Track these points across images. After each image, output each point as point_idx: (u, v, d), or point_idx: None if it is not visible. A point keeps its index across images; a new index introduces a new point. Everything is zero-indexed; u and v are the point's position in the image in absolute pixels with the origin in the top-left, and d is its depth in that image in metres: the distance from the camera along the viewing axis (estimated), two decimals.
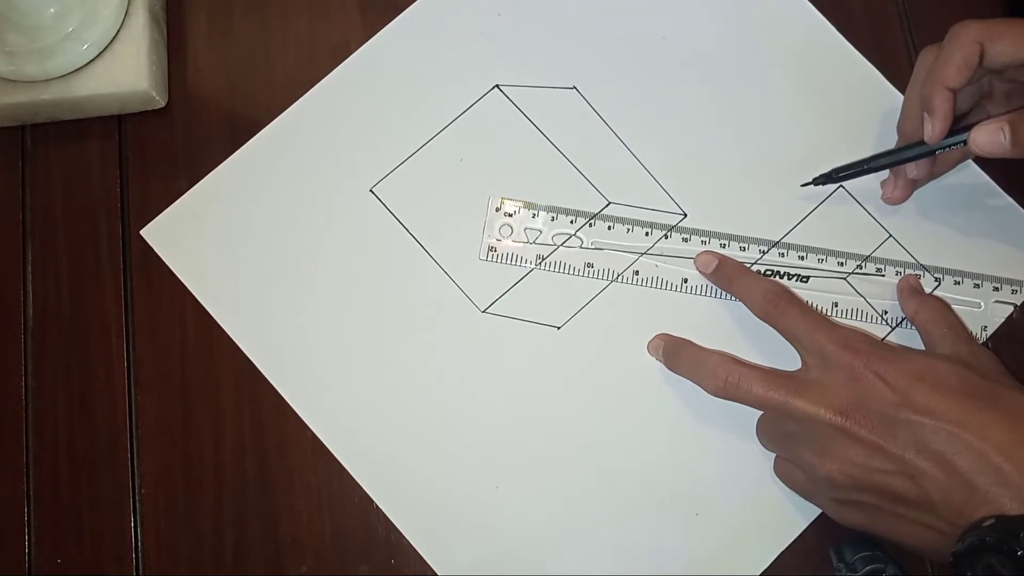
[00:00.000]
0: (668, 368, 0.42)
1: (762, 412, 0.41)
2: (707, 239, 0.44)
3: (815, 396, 0.37)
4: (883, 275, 0.44)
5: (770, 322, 0.41)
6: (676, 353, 0.42)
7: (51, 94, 0.44)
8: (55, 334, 0.44)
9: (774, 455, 0.41)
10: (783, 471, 0.41)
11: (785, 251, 0.44)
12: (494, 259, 0.44)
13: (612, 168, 0.45)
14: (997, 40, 0.38)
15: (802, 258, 0.44)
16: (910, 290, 0.43)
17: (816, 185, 0.44)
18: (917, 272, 0.44)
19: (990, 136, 0.38)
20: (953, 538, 0.34)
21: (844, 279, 0.44)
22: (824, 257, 0.44)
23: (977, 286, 0.44)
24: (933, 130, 0.39)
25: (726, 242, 0.44)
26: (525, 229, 0.44)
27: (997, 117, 0.38)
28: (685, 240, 0.44)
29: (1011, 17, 0.39)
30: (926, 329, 0.41)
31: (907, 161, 0.42)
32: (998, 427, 0.35)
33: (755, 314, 0.41)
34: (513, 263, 0.44)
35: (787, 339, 0.40)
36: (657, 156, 0.45)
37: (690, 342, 0.42)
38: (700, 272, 0.43)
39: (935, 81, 0.39)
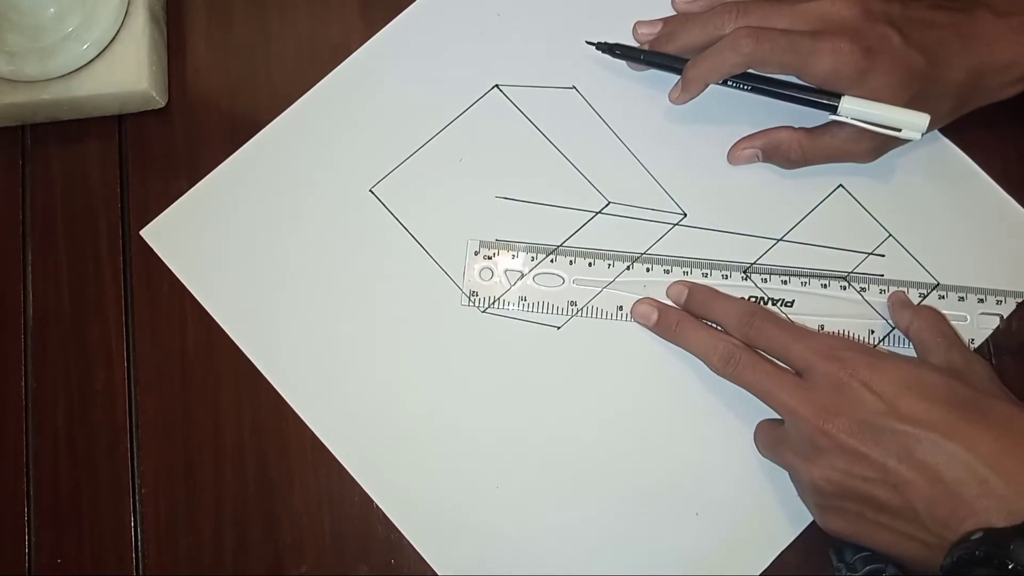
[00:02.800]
0: (663, 337, 0.43)
1: (760, 420, 0.41)
2: (688, 269, 0.44)
3: (799, 396, 0.38)
4: (866, 292, 0.43)
5: (750, 343, 0.41)
6: (679, 328, 0.42)
7: (51, 94, 0.44)
8: (55, 334, 0.44)
9: None
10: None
11: (767, 277, 0.44)
12: (476, 303, 0.44)
13: (612, 168, 0.45)
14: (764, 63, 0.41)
15: (785, 283, 0.44)
16: (901, 303, 0.43)
17: (599, 50, 0.45)
18: (902, 288, 0.43)
19: (744, 156, 0.44)
20: (938, 550, 0.34)
21: (829, 300, 0.43)
22: (807, 280, 0.44)
23: (962, 299, 0.43)
24: (675, 97, 0.44)
25: (707, 271, 0.44)
26: (505, 271, 0.44)
27: (751, 137, 0.44)
28: (667, 271, 0.44)
29: None
30: (920, 339, 0.41)
31: (672, 70, 0.44)
32: (985, 438, 0.35)
33: (734, 336, 0.41)
34: (496, 308, 0.44)
35: (772, 356, 0.40)
36: (657, 156, 0.45)
37: (687, 315, 0.42)
38: (674, 302, 0.43)
39: (700, 73, 0.42)
